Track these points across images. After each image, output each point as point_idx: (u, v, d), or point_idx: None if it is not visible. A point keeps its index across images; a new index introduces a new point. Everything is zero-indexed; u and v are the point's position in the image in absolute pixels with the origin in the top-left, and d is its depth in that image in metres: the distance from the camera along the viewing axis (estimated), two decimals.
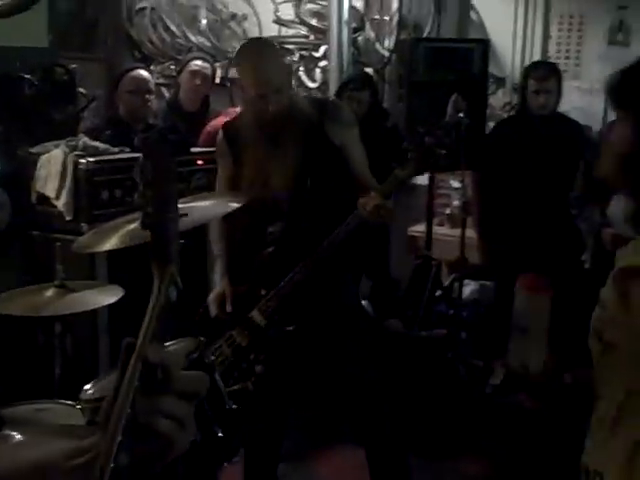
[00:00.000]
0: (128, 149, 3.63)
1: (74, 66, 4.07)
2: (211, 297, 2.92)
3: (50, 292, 2.59)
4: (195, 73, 4.39)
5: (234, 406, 2.46)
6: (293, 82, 5.28)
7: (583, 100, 4.97)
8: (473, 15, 5.26)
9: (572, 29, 5.19)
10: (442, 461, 3.61)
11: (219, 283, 2.92)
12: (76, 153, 3.42)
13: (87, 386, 2.42)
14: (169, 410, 0.78)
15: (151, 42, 5.48)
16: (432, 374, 3.78)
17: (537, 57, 5.21)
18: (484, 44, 4.88)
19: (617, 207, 3.12)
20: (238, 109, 4.37)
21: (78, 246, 2.60)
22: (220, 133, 2.93)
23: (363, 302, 4.61)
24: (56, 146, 3.51)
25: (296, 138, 2.73)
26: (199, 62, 4.47)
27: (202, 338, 2.50)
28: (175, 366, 0.80)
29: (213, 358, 2.48)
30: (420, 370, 3.84)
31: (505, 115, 5.04)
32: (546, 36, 5.26)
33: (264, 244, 2.88)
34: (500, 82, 5.34)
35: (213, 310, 2.89)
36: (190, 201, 2.78)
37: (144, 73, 4.01)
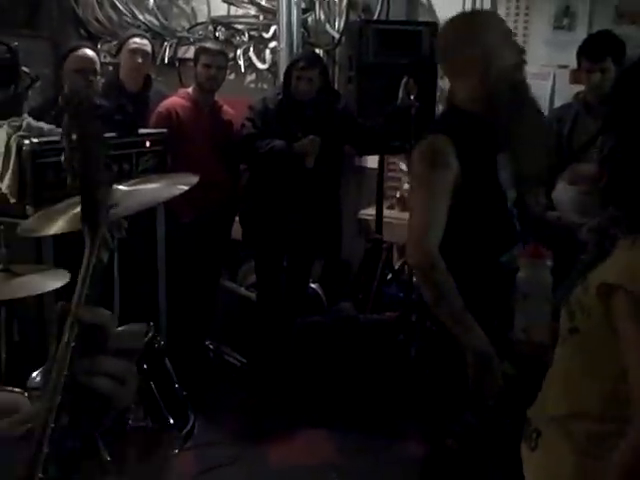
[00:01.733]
0: None
1: (16, 44, 3.95)
2: None
3: None
4: (135, 51, 4.28)
5: (184, 392, 2.45)
6: (242, 63, 5.24)
7: (531, 84, 5.01)
8: None
9: (519, 13, 5.22)
10: (391, 442, 3.64)
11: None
12: (20, 134, 3.32)
13: (34, 373, 2.37)
14: (107, 368, 0.79)
15: (98, 20, 5.35)
16: (383, 357, 3.81)
17: None
18: (433, 27, 4.89)
19: (562, 192, 3.16)
20: (190, 90, 4.32)
21: (23, 230, 2.54)
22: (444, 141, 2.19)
23: (314, 285, 4.62)
24: None
25: None
26: (138, 39, 4.34)
27: (151, 323, 2.48)
28: (110, 325, 0.81)
29: (162, 343, 2.44)
30: (371, 353, 3.86)
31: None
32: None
33: None
34: None
35: None
36: (138, 183, 2.74)
37: (89, 52, 3.91)
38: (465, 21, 2.35)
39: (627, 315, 1.32)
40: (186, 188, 2.65)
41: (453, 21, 2.32)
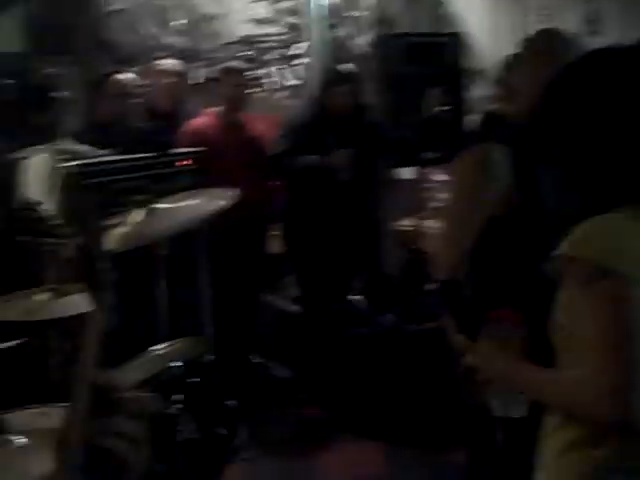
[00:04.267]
0: (112, 152, 3.61)
1: (50, 70, 4.03)
2: None
3: (42, 296, 2.57)
4: (166, 72, 4.36)
5: (233, 406, 2.47)
6: (272, 80, 5.28)
7: None
8: (448, 9, 5.29)
9: (546, 20, 5.23)
10: (437, 454, 3.62)
11: None
12: (59, 157, 3.39)
13: None
14: (121, 430, 0.79)
15: (127, 44, 5.43)
16: (427, 368, 3.79)
17: (513, 49, 5.23)
18: (458, 37, 4.92)
19: None
20: (216, 109, 4.37)
21: (67, 251, 2.58)
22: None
23: (356, 297, 4.63)
24: (38, 151, 3.48)
25: None
26: (169, 61, 4.44)
27: (198, 338, 2.51)
28: (123, 388, 0.81)
29: (211, 357, 2.47)
30: (415, 364, 3.84)
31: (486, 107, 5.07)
32: (518, 29, 5.30)
33: None
34: (478, 74, 5.37)
35: None
36: (178, 200, 2.78)
37: (125, 76, 3.98)
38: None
39: (581, 282, 1.34)
40: (226, 203, 2.69)
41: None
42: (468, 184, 2.13)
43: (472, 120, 4.57)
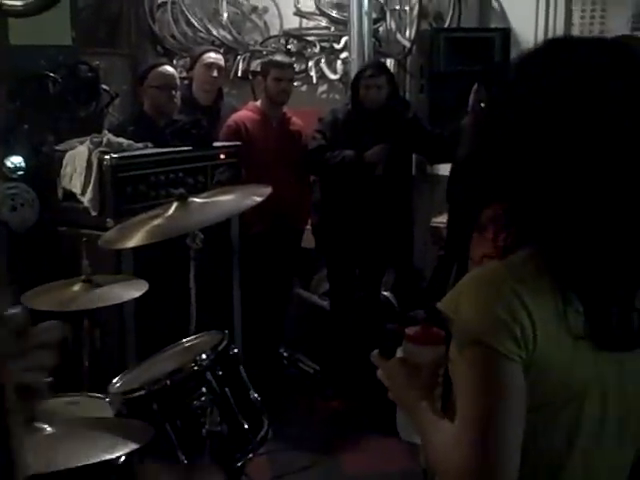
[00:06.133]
0: (152, 145, 3.67)
1: (97, 63, 4.10)
2: None
3: (77, 287, 2.64)
4: (209, 65, 4.39)
5: (259, 398, 2.50)
6: (314, 74, 5.30)
7: None
8: (494, 3, 5.22)
9: (595, 16, 5.13)
10: None
11: None
12: (100, 149, 3.46)
13: (115, 379, 2.46)
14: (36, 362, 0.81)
15: (173, 37, 5.50)
16: None
17: None
18: (505, 33, 4.85)
19: None
20: (258, 103, 4.41)
21: (104, 242, 2.65)
22: None
23: (387, 293, 4.63)
24: (81, 143, 3.55)
25: None
26: (212, 54, 4.46)
27: (225, 331, 2.54)
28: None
29: (236, 351, 2.50)
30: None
31: None
32: (568, 24, 5.21)
33: None
34: None
35: None
36: (213, 195, 2.82)
37: (170, 69, 4.02)
38: None
39: (455, 343, 1.18)
40: (260, 199, 2.71)
41: None
42: None
43: None
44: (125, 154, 3.47)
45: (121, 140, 3.57)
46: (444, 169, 4.48)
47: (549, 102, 1.15)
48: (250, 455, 2.43)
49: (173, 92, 3.95)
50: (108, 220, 3.33)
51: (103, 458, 1.95)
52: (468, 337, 1.14)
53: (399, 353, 1.42)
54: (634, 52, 1.18)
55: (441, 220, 4.77)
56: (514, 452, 1.11)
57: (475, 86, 4.21)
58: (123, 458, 2.22)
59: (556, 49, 1.20)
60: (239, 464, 2.44)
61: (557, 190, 1.14)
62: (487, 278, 1.17)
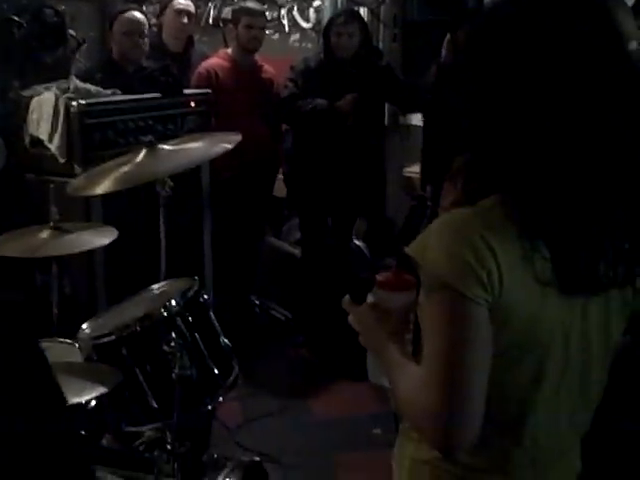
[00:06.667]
0: (120, 91, 3.62)
1: (63, 7, 4.01)
2: None
3: (45, 234, 2.61)
4: (179, 12, 4.32)
5: (229, 344, 2.51)
6: (287, 22, 5.23)
7: None
8: None
9: None
10: None
11: None
12: (67, 96, 3.40)
13: (84, 325, 2.46)
14: None
15: None
16: None
17: None
18: None
19: None
20: (229, 50, 4.35)
21: (72, 189, 2.62)
22: None
23: (358, 242, 4.65)
24: (47, 89, 3.49)
25: None
26: (183, 0, 4.38)
27: (195, 277, 2.54)
28: None
29: (206, 297, 2.51)
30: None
31: None
32: None
33: None
34: None
35: None
36: (183, 142, 2.79)
37: (138, 15, 3.95)
38: None
39: (423, 287, 1.20)
40: (230, 147, 2.69)
41: None
42: None
43: None
44: (93, 100, 3.42)
45: (89, 86, 3.52)
46: (417, 119, 4.48)
47: (514, 50, 1.14)
48: (220, 399, 2.46)
49: (140, 39, 3.88)
50: (76, 167, 3.30)
51: (72, 402, 1.97)
52: (435, 281, 1.15)
53: (370, 299, 1.43)
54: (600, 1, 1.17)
55: (414, 170, 4.78)
56: (479, 395, 1.14)
57: (448, 36, 4.18)
58: (93, 402, 2.26)
59: None
60: (209, 408, 2.47)
61: (521, 137, 1.14)
62: (455, 223, 1.18)
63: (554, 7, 1.14)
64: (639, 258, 1.21)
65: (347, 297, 1.45)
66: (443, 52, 4.17)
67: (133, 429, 2.38)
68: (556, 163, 1.13)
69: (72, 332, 2.44)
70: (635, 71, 1.17)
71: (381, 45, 5.00)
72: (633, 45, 1.15)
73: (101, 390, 2.08)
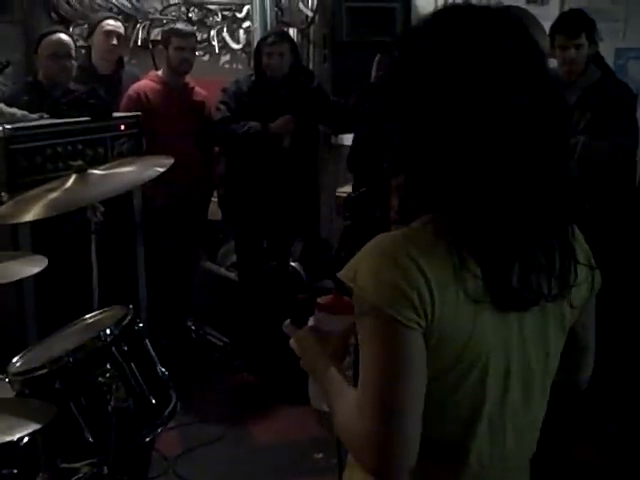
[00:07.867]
0: (47, 115, 3.53)
1: None
2: None
3: None
4: (109, 33, 4.26)
5: (166, 373, 2.46)
6: (217, 43, 5.21)
7: None
8: None
9: None
10: None
11: None
12: None
13: (15, 359, 2.38)
14: None
15: (69, 3, 5.29)
16: None
17: None
18: (406, 2, 4.89)
19: None
20: (160, 72, 4.30)
21: None
22: None
23: (294, 264, 4.64)
24: None
25: None
26: (112, 21, 4.32)
27: (130, 305, 2.48)
28: None
29: (142, 325, 2.45)
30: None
31: None
32: None
33: None
34: None
35: None
36: (113, 167, 2.74)
37: (64, 37, 3.88)
38: None
39: (356, 311, 1.18)
40: (162, 170, 2.65)
41: None
42: None
43: None
44: (19, 125, 3.33)
45: (14, 110, 3.42)
46: (348, 139, 4.50)
47: (435, 72, 1.14)
48: (159, 430, 2.40)
49: (67, 61, 3.81)
50: (2, 194, 3.19)
51: (3, 440, 1.89)
52: (366, 305, 1.13)
53: (311, 322, 1.42)
54: (517, 18, 1.19)
55: (346, 190, 4.80)
56: (415, 420, 1.13)
57: (377, 57, 4.23)
58: (26, 439, 2.17)
59: (440, 19, 1.20)
60: (147, 439, 2.41)
61: (448, 157, 1.14)
62: (384, 246, 1.17)
63: (474, 27, 1.15)
64: (570, 272, 1.22)
65: (288, 321, 1.43)
66: (373, 73, 4.23)
67: (69, 465, 2.30)
68: (483, 181, 1.13)
69: (1, 366, 2.35)
70: (556, 88, 1.20)
71: (311, 65, 5.03)
72: (553, 63, 1.17)
73: (34, 426, 2.00)
